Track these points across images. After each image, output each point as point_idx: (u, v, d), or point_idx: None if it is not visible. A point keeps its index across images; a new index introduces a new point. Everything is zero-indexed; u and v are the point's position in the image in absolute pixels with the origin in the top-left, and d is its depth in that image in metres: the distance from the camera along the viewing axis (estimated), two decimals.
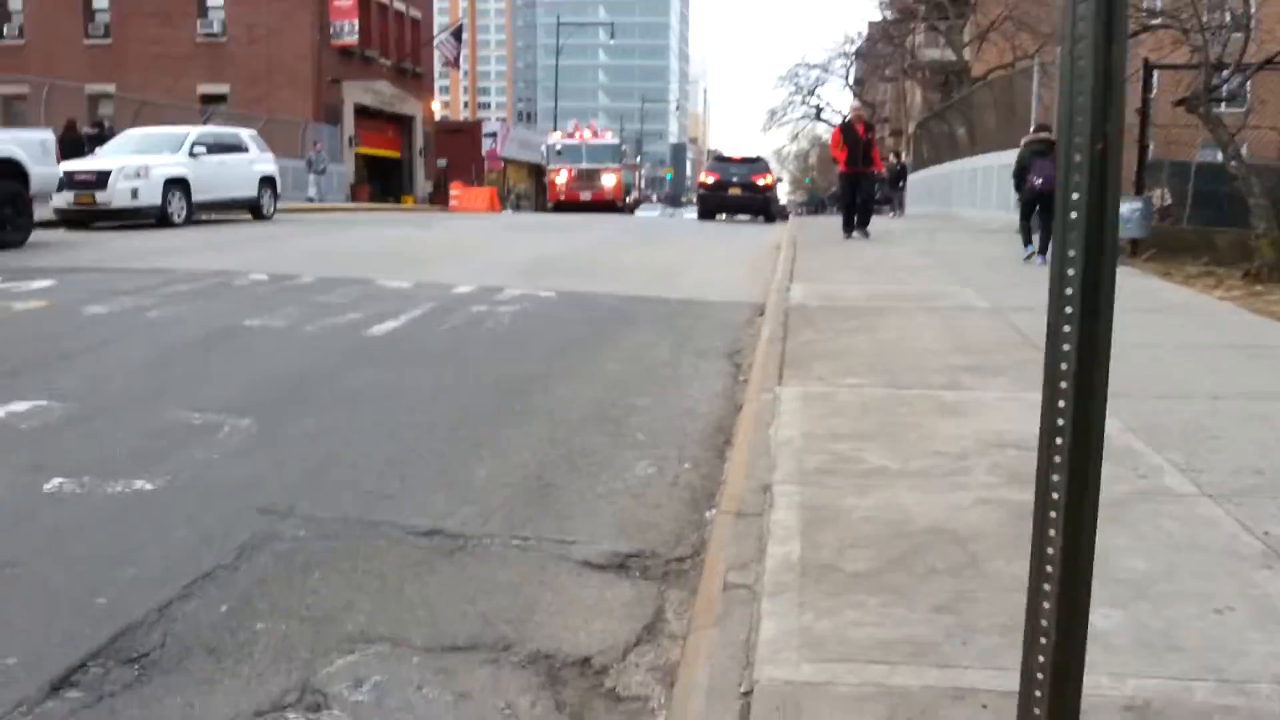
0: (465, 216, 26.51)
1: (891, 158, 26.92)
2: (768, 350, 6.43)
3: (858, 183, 14.61)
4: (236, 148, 18.25)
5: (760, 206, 26.91)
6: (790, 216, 36.07)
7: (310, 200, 26.21)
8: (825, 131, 63.94)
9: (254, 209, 18.69)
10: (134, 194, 15.49)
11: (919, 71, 39.89)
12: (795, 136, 60.79)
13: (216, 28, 34.56)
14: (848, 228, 14.91)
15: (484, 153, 48.73)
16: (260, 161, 18.77)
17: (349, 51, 35.68)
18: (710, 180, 27.03)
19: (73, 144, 22.60)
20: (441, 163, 45.02)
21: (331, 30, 34.67)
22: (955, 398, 5.14)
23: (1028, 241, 11.85)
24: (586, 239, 16.46)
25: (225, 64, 34.38)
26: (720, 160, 28.99)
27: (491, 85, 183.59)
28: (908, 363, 5.96)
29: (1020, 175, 11.91)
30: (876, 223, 18.91)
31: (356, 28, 34.72)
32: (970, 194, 20.10)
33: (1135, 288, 9.40)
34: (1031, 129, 12.69)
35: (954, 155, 22.57)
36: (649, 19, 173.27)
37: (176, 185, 16.17)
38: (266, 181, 18.87)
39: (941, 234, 14.45)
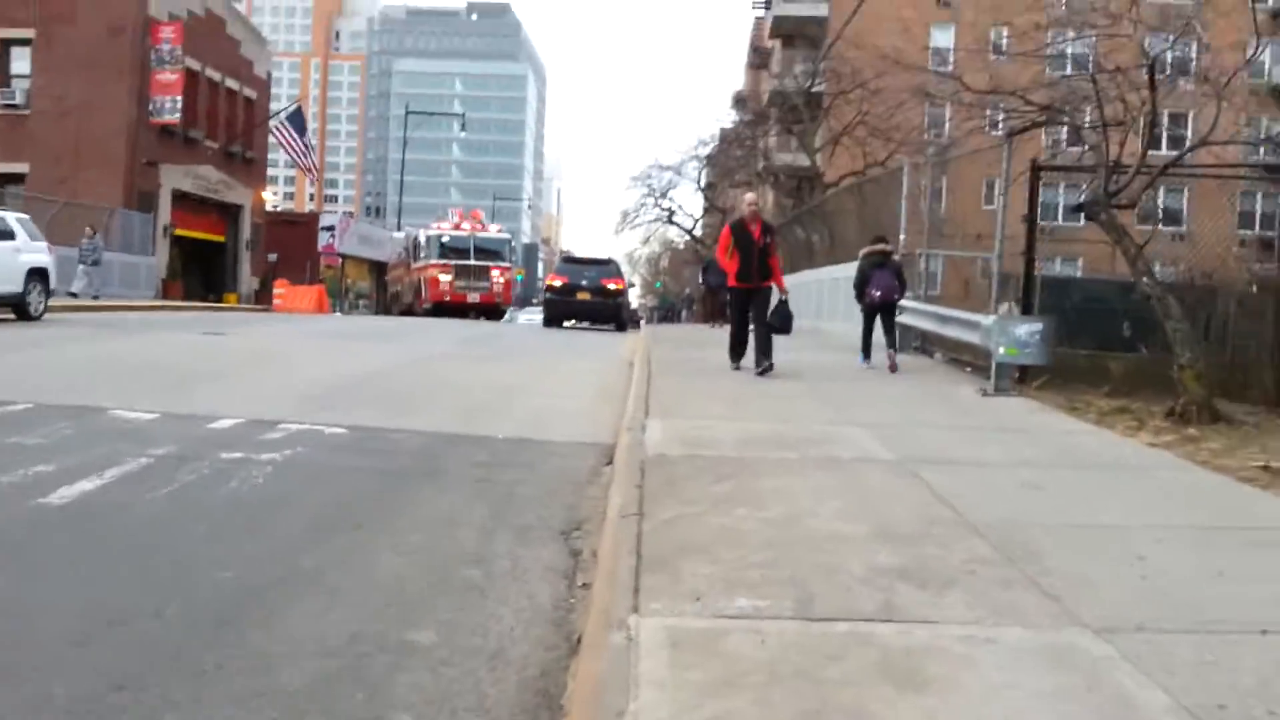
0: (285, 319, 23.95)
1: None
2: (617, 537, 4.55)
3: (750, 300, 10.77)
4: (1, 234, 15.44)
5: (611, 314, 25.06)
6: (641, 324, 34.80)
7: (74, 296, 22.57)
8: (677, 235, 64.18)
9: (18, 307, 15.81)
10: None
11: (772, 175, 39.90)
12: (648, 239, 60.70)
13: (19, 99, 31.21)
14: (735, 354, 11.11)
15: (320, 248, 45.94)
16: (29, 251, 15.96)
17: (170, 131, 32.82)
18: (558, 284, 25.03)
19: None
20: (272, 257, 42.06)
21: (151, 107, 31.81)
22: (904, 642, 3.35)
23: (866, 353, 12.19)
24: (415, 350, 14.38)
25: (25, 140, 30.95)
26: (570, 262, 26.91)
27: (340, 177, 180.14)
28: (816, 562, 4.18)
29: (860, 287, 12.17)
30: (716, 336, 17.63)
31: (179, 105, 31.98)
32: (834, 305, 19.11)
33: (1046, 428, 8.05)
34: (869, 242, 12.72)
35: (812, 263, 21.70)
36: (504, 115, 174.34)
37: None
38: (35, 274, 16.04)
39: (808, 352, 13.09)
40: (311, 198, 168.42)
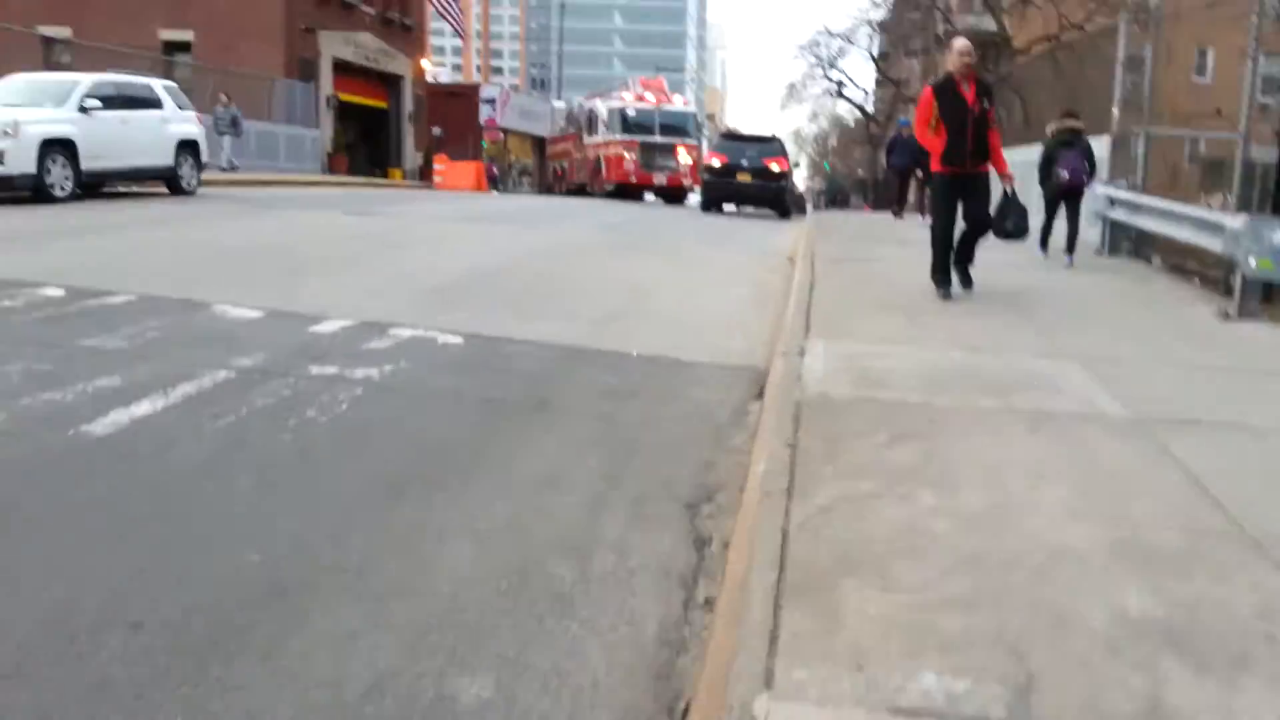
0: (438, 197, 23.43)
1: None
2: (756, 532, 3.40)
3: (964, 192, 7.97)
4: (146, 102, 15.14)
5: (775, 198, 22.77)
6: (808, 209, 32.61)
7: (222, 170, 21.74)
8: (846, 111, 60.56)
9: (170, 181, 15.64)
10: (0, 158, 12.44)
11: (955, 39, 36.25)
12: (815, 115, 57.54)
13: None
14: (941, 279, 8.17)
15: (482, 121, 45.35)
16: (178, 121, 15.67)
17: None
18: (716, 164, 22.51)
19: None
20: (437, 131, 41.64)
21: None
22: None
23: (1044, 242, 11.30)
24: (560, 237, 13.40)
25: (189, 7, 31.12)
26: (729, 139, 24.24)
27: (505, 48, 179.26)
28: (1037, 602, 2.93)
29: (1046, 168, 11.07)
30: (897, 230, 15.89)
31: None
32: (1025, 194, 16.96)
33: None
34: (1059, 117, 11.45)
35: (1006, 143, 19.36)
36: None
37: (58, 148, 13.10)
38: (186, 147, 15.79)
39: (997, 252, 11.32)
40: (478, 69, 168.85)
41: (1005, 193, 8.30)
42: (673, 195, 29.53)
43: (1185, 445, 4.49)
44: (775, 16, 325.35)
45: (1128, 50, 12.35)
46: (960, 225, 8.29)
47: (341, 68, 33.62)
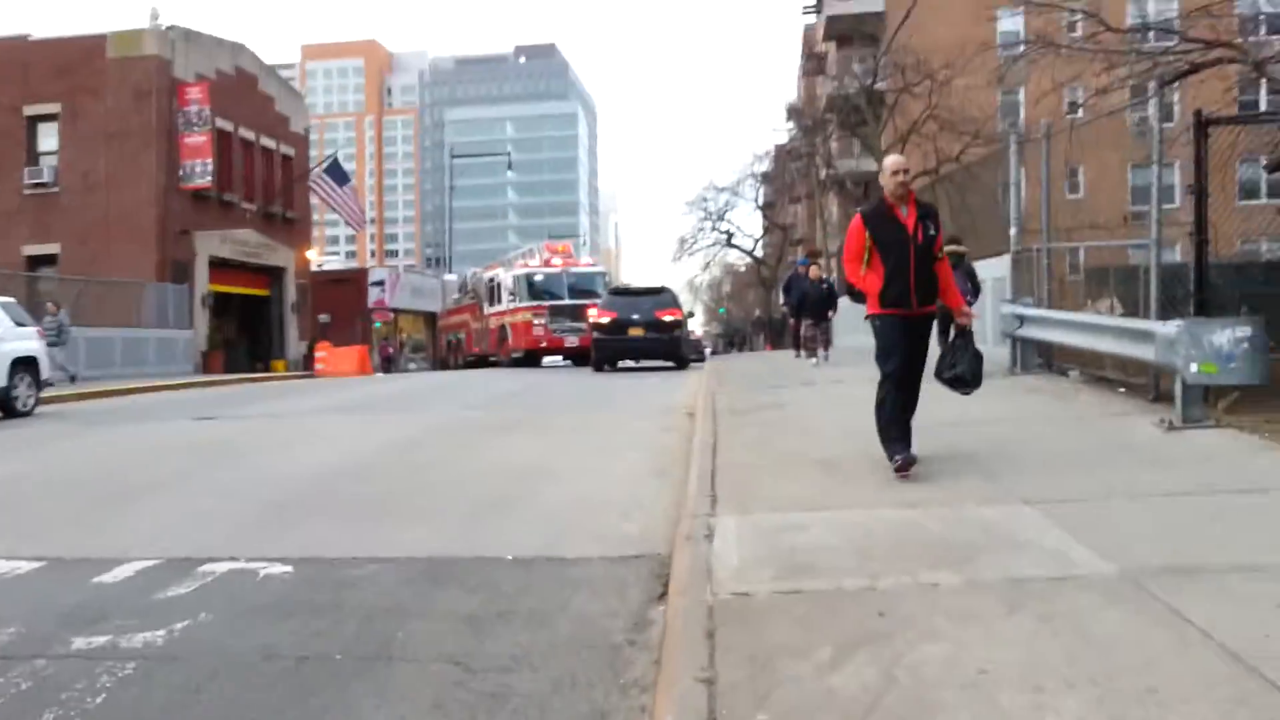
0: (316, 388, 22.05)
1: (814, 270, 18.39)
2: None
3: (910, 335, 6.41)
4: None
5: (669, 349, 21.71)
6: (707, 355, 32.12)
7: (63, 381, 19.54)
8: (737, 258, 61.88)
9: (2, 403, 14.07)
10: None
11: (836, 184, 37.32)
12: (708, 265, 58.55)
13: (47, 176, 30.20)
14: (897, 443, 6.20)
15: (371, 304, 44.58)
16: (12, 338, 14.24)
17: (203, 196, 31.53)
18: (605, 320, 21.41)
19: None
20: (324, 318, 40.70)
21: (181, 173, 30.56)
22: None
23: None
24: (433, 418, 12.23)
25: (56, 219, 29.92)
26: (618, 294, 23.29)
27: (400, 230, 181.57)
28: None
29: None
30: (800, 370, 15.19)
31: (210, 169, 30.68)
32: None
33: None
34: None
35: None
36: (557, 154, 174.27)
37: None
38: (21, 365, 14.31)
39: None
40: (373, 254, 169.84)
41: (957, 332, 6.67)
42: (586, 356, 28.58)
43: (1198, 606, 3.50)
44: (663, 178, 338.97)
45: (1007, 174, 12.10)
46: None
47: (219, 264, 32.61)
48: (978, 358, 6.58)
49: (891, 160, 6.47)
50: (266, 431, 11.45)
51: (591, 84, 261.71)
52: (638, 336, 21.13)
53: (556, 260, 29.66)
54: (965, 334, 6.64)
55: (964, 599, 3.76)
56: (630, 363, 22.27)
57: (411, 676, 3.69)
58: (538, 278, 28.44)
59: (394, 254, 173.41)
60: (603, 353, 21.75)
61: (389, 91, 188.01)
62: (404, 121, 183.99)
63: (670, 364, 21.82)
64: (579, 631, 4.11)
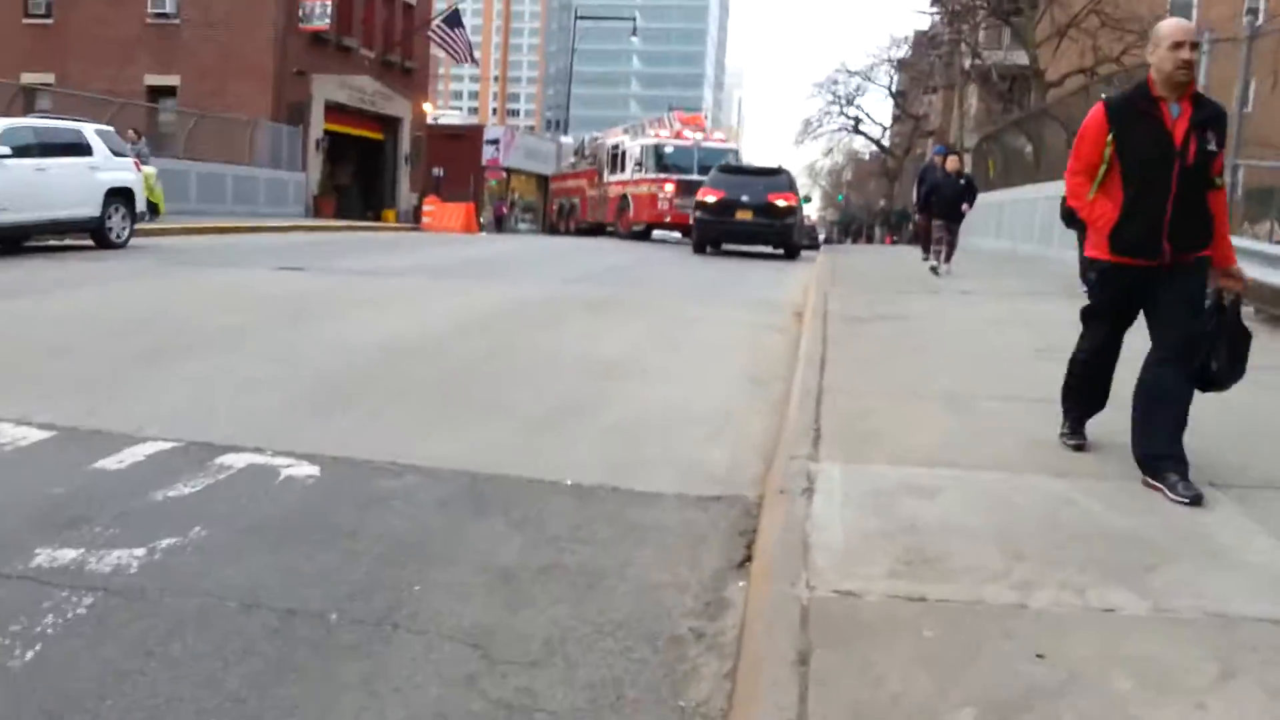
0: (416, 242, 21.51)
1: (951, 161, 14.81)
2: None
3: (1148, 299, 4.25)
4: (72, 148, 13.37)
5: (779, 236, 19.84)
6: (821, 245, 30.31)
7: (141, 215, 18.26)
8: (862, 145, 58.86)
9: (95, 233, 13.83)
10: None
11: (980, 75, 34.43)
12: (830, 150, 55.95)
13: (169, 6, 29.88)
14: (1072, 426, 4.73)
15: (484, 162, 43.84)
16: (109, 168, 13.88)
17: (322, 39, 30.90)
18: (711, 199, 19.39)
19: None
20: (437, 172, 40.28)
21: (300, 13, 29.89)
22: None
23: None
24: (520, 294, 11.36)
25: (177, 51, 29.74)
26: (728, 171, 20.86)
27: (522, 91, 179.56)
28: None
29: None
30: (925, 274, 13.77)
31: (329, 11, 29.91)
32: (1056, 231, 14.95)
33: None
34: None
35: (1036, 177, 17.31)
36: (685, 24, 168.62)
37: None
38: (117, 195, 13.99)
39: (1050, 299, 9.31)
40: (495, 112, 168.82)
41: (1215, 303, 4.24)
42: None
43: None
44: (793, 57, 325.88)
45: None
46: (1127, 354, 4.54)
47: (335, 110, 32.17)
48: (1240, 344, 4.22)
49: (1172, 26, 4.14)
50: (347, 290, 10.83)
51: None
52: (745, 220, 19.32)
53: (688, 132, 27.74)
54: (1230, 306, 4.24)
55: (1153, 642, 2.74)
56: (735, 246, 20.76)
57: (415, 661, 2.87)
58: (667, 149, 26.66)
59: (515, 114, 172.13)
60: (705, 233, 20.14)
61: None
62: None
63: (779, 252, 20.27)
64: (635, 609, 3.24)
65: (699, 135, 27.86)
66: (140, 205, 14.67)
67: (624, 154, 28.99)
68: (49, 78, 29.24)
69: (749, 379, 6.73)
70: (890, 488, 4.00)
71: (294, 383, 6.13)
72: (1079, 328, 4.70)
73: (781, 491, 3.99)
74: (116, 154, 14.24)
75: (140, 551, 3.53)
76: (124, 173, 14.19)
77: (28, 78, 28.46)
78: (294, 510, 4.04)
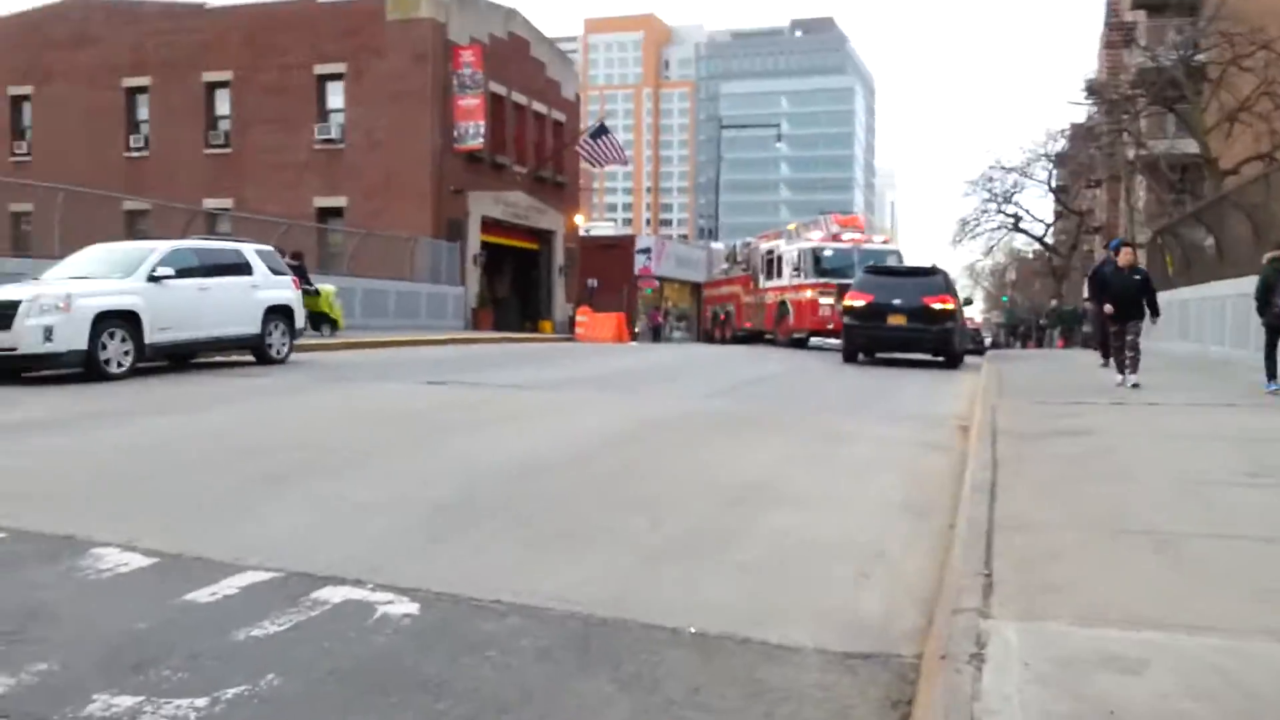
0: (568, 353, 21.54)
1: (1125, 255, 13.04)
2: None
3: None
4: (232, 268, 13.95)
5: (937, 343, 18.07)
6: (986, 353, 28.56)
7: (300, 331, 17.49)
8: (1024, 244, 56.70)
9: (256, 349, 14.29)
10: (47, 334, 11.22)
11: (1148, 167, 32.67)
12: (990, 249, 54.06)
13: (335, 133, 31.84)
14: None
15: (637, 270, 44.45)
16: (268, 286, 14.41)
17: (477, 158, 32.22)
18: (860, 304, 18.10)
19: None
20: (592, 282, 41.11)
21: (455, 134, 31.29)
22: None
23: (1272, 376, 10.80)
24: (660, 408, 10.94)
25: (343, 173, 31.56)
26: (876, 273, 19.45)
27: (675, 201, 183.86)
28: None
29: (1264, 298, 10.82)
30: (1105, 383, 12.50)
31: (483, 130, 31.19)
32: (1251, 325, 13.45)
33: None
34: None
35: (1228, 272, 15.87)
36: (832, 129, 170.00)
37: (117, 320, 11.84)
38: (277, 313, 14.48)
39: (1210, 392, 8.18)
40: (648, 223, 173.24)
41: None
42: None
43: None
44: (945, 155, 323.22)
45: None
46: None
47: (491, 225, 33.32)
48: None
49: None
50: (487, 404, 10.64)
51: (870, 58, 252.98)
52: (898, 325, 17.85)
53: (847, 234, 26.54)
54: None
55: None
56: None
57: None
58: (826, 253, 25.40)
59: (668, 224, 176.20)
60: (855, 341, 18.75)
61: (666, 65, 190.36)
62: (679, 94, 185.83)
63: (939, 360, 18.68)
64: None
65: (858, 236, 26.80)
66: (300, 322, 15.13)
67: (780, 259, 27.95)
68: (228, 202, 31.45)
69: (905, 508, 6.00)
70: (1082, 656, 3.24)
71: (410, 508, 5.79)
72: None
73: (943, 657, 3.29)
74: (276, 272, 14.80)
75: (202, 702, 3.16)
76: (283, 291, 14.70)
77: (209, 203, 30.71)
78: (381, 656, 3.60)
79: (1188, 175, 31.85)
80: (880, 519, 5.72)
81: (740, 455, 7.73)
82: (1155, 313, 12.35)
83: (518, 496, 6.12)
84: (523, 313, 37.05)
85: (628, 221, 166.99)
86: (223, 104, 33.77)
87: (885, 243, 28.29)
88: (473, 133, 31.15)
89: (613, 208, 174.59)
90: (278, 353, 14.57)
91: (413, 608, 4.13)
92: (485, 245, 33.22)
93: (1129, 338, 12.04)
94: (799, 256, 26.25)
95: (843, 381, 15.11)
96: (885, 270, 19.80)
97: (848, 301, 18.68)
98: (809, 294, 24.83)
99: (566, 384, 12.97)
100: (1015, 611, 3.67)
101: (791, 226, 31.16)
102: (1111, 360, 12.89)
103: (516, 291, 37.89)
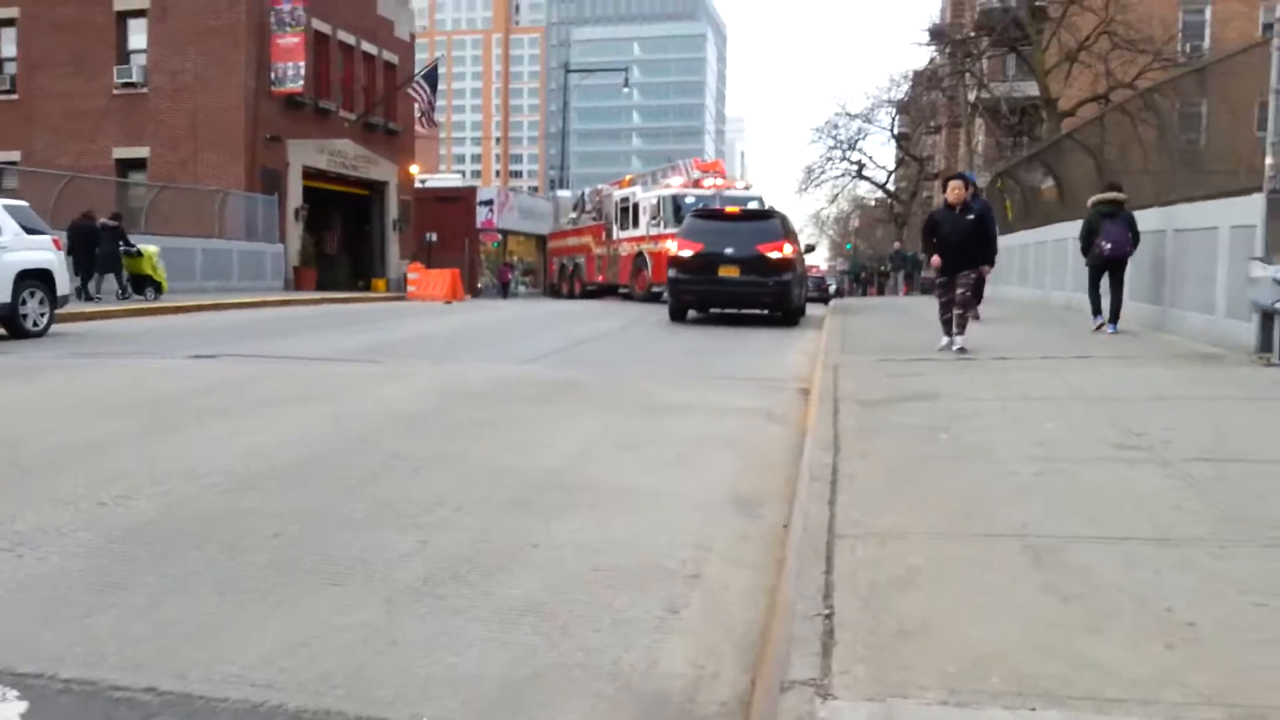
0: (389, 314, 19.89)
1: (953, 191, 10.37)
2: None
3: None
4: None
5: (775, 298, 15.83)
6: (830, 303, 27.98)
7: (63, 299, 13.70)
8: (867, 191, 57.30)
9: (7, 321, 12.22)
10: None
11: (988, 111, 33.02)
12: (835, 197, 54.44)
13: (136, 76, 28.70)
14: None
15: (479, 224, 42.58)
16: (21, 247, 12.32)
17: (297, 102, 29.67)
18: (687, 254, 15.92)
19: (86, 237, 18.67)
20: (431, 237, 39.01)
21: (273, 76, 28.67)
22: None
23: (1097, 311, 11.40)
24: (464, 377, 9.70)
25: (145, 121, 28.55)
26: (705, 217, 16.85)
27: (525, 151, 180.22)
28: None
29: (1088, 239, 11.21)
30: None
31: (303, 72, 28.68)
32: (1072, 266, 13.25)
33: None
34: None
35: (1068, 215, 15.58)
36: (684, 77, 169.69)
37: None
38: (30, 278, 12.41)
39: (1127, 368, 7.56)
40: (498, 173, 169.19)
41: None
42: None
43: None
44: (793, 103, 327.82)
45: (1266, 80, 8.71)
46: None
47: (315, 176, 30.88)
48: None
49: None
50: (258, 382, 9.06)
51: (722, 3, 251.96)
52: (731, 278, 15.66)
53: (709, 180, 25.02)
54: None
55: None
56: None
57: None
58: (688, 199, 23.70)
59: (518, 175, 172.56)
60: (681, 298, 16.49)
61: (516, 9, 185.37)
62: (530, 40, 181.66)
63: (776, 316, 16.58)
64: None
65: (719, 182, 25.42)
66: (63, 288, 13.05)
67: (636, 207, 26.44)
68: (15, 155, 28.10)
69: (734, 502, 4.95)
70: None
71: (95, 531, 4.37)
72: (1160, 404, 2.98)
73: None
74: (32, 232, 12.68)
75: None
76: (40, 253, 12.62)
77: None
78: None
79: (1026, 118, 32.32)
80: (701, 521, 4.64)
81: (548, 435, 6.54)
82: (988, 259, 10.47)
83: (245, 512, 4.75)
84: (354, 271, 34.83)
85: (477, 174, 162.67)
86: (8, 45, 30.13)
87: (748, 188, 26.99)
88: (292, 74, 28.63)
89: (460, 159, 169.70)
90: (34, 324, 12.53)
91: (17, 709, 2.81)
92: (310, 198, 30.84)
93: (959, 291, 9.82)
94: (658, 204, 24.66)
95: (682, 340, 14.01)
96: (715, 214, 17.36)
97: (673, 251, 16.59)
98: (668, 244, 23.58)
99: (370, 352, 11.47)
100: (864, 681, 2.62)
101: (650, 174, 29.72)
102: (941, 323, 10.25)
103: (347, 248, 35.58)
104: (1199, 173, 11.21)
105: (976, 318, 11.10)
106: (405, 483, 5.29)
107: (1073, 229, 14.35)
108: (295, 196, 30.04)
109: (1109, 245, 10.82)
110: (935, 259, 9.91)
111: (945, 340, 9.99)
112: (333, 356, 10.90)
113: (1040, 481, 4.52)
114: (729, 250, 15.65)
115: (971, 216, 9.94)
